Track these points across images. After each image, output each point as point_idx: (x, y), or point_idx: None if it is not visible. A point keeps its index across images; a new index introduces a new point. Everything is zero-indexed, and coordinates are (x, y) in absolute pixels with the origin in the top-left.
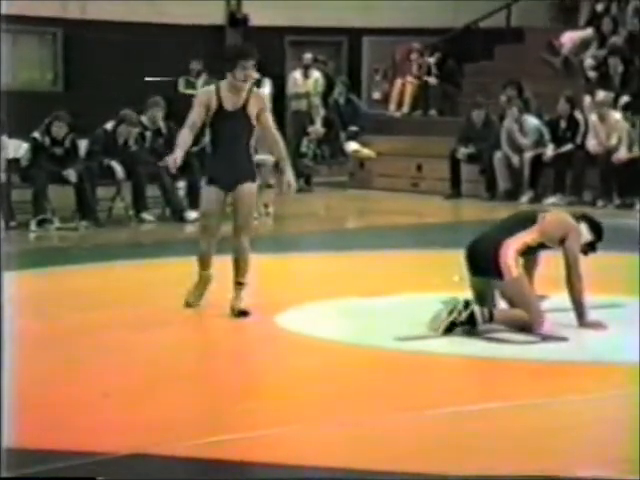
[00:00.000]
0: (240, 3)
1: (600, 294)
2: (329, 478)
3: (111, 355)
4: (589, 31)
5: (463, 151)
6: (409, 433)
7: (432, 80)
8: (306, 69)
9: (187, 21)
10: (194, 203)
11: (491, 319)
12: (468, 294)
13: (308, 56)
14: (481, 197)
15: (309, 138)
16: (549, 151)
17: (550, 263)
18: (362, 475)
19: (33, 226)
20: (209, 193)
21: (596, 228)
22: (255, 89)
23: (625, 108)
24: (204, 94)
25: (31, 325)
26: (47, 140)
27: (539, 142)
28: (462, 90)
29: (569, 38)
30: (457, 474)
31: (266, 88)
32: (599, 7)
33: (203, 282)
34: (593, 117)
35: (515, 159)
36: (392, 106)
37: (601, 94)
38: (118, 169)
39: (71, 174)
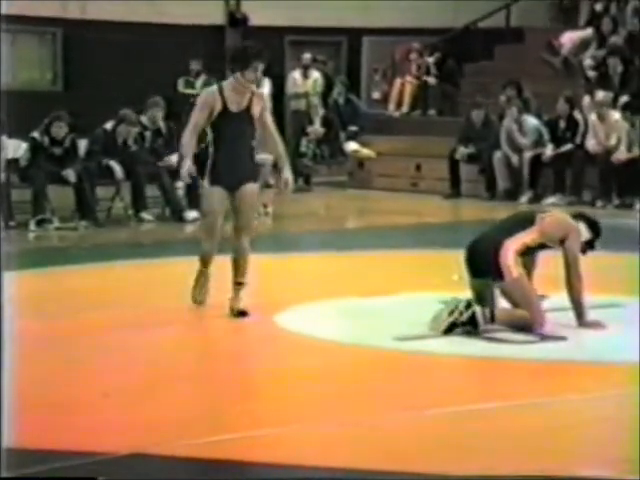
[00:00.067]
0: (239, 3)
1: (599, 294)
2: (329, 478)
3: (111, 355)
4: (589, 31)
5: (462, 151)
6: (409, 433)
7: (431, 80)
8: (305, 69)
9: (187, 21)
10: (193, 203)
11: (492, 319)
12: (468, 294)
13: (307, 56)
14: (481, 197)
15: (308, 138)
16: (548, 151)
17: (549, 263)
18: (362, 475)
19: (32, 226)
20: (213, 193)
21: (594, 227)
22: (256, 89)
23: (624, 108)
24: (208, 95)
25: (31, 325)
26: (46, 140)
27: (538, 142)
28: (461, 90)
29: (569, 38)
30: (457, 474)
31: (265, 88)
32: (598, 7)
33: (204, 277)
34: (592, 117)
35: (515, 159)
36: (391, 106)
37: (600, 94)
38: (117, 169)
39: (70, 174)
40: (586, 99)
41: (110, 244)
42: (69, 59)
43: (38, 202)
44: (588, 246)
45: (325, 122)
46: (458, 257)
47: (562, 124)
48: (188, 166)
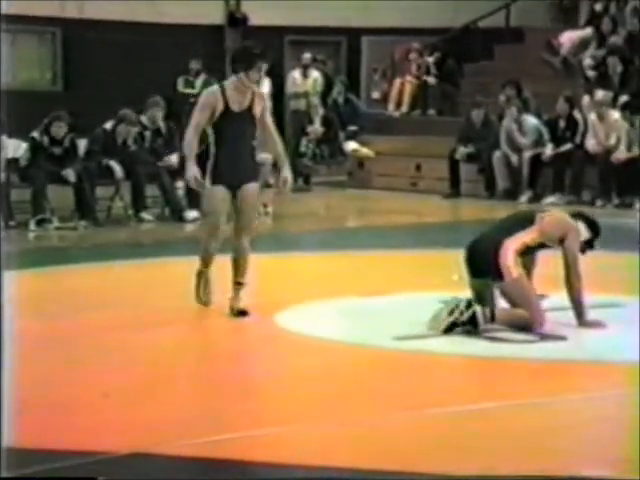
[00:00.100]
0: (239, 3)
1: (599, 294)
2: (329, 478)
3: (111, 355)
4: (588, 31)
5: (462, 151)
6: (409, 433)
7: (431, 80)
8: (305, 69)
9: (186, 21)
10: (193, 203)
11: (493, 319)
12: (468, 294)
13: (307, 56)
14: (480, 196)
15: (308, 138)
16: (548, 150)
17: (549, 262)
18: (362, 475)
19: (32, 226)
20: (215, 193)
21: (593, 226)
22: (257, 89)
23: (624, 108)
24: (210, 95)
25: (31, 325)
26: (46, 140)
27: (538, 142)
28: (461, 90)
29: (568, 38)
30: (457, 474)
31: (266, 87)
32: (598, 7)
33: (205, 278)
34: (592, 117)
35: (514, 158)
36: (391, 106)
37: (600, 94)
38: (117, 169)
39: (70, 174)
40: (586, 99)
41: (110, 244)
42: (69, 59)
43: (38, 202)
44: (587, 245)
45: (325, 122)
46: (458, 257)
47: (562, 124)
48: (194, 171)
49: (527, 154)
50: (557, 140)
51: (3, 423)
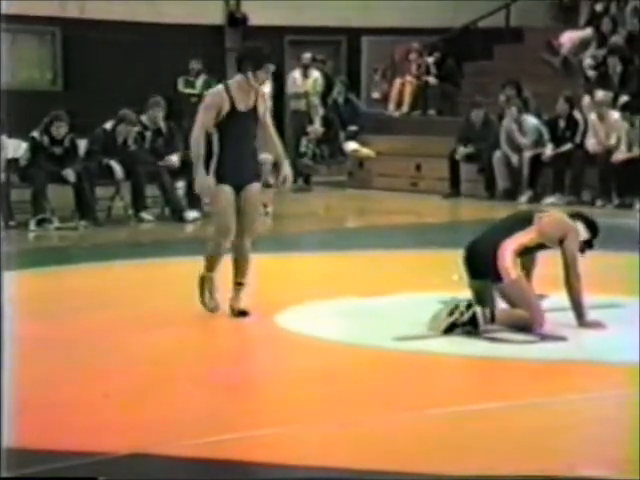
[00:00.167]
0: (239, 3)
1: (599, 294)
2: (329, 478)
3: (111, 355)
4: (588, 31)
5: (462, 151)
6: (409, 433)
7: (431, 80)
8: (305, 69)
9: (186, 21)
10: (193, 203)
11: (493, 320)
12: (468, 294)
13: (307, 56)
14: (480, 196)
15: (308, 138)
16: (548, 151)
17: (549, 262)
18: (362, 475)
19: (32, 226)
20: (223, 192)
21: (592, 226)
22: (260, 88)
23: (624, 108)
24: (215, 96)
25: (31, 325)
26: (46, 140)
27: (538, 142)
28: (461, 90)
29: (568, 38)
30: (457, 474)
31: (267, 87)
32: (598, 7)
33: (210, 284)
34: (592, 117)
35: (514, 159)
36: (391, 106)
37: (600, 94)
38: (117, 169)
39: (70, 174)
40: (586, 99)
41: (110, 244)
42: (69, 59)
43: (38, 202)
44: (587, 245)
45: (325, 122)
46: (458, 257)
47: (562, 124)
48: (207, 180)
49: (527, 154)
50: (557, 140)
51: (3, 423)
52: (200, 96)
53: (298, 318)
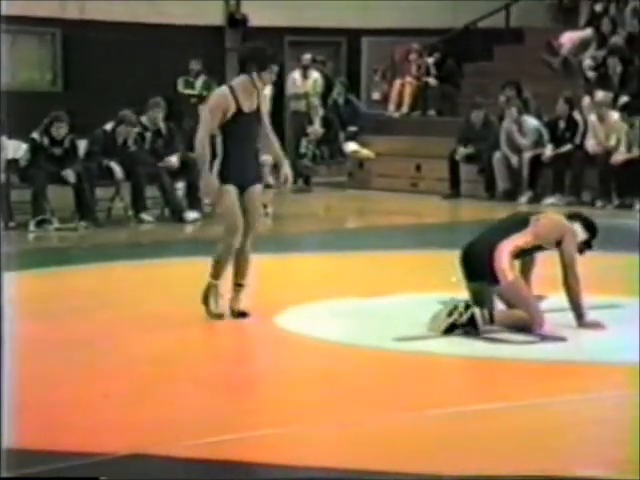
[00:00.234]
0: (239, 3)
1: (599, 294)
2: (329, 478)
3: (111, 355)
4: (588, 31)
5: (462, 151)
6: (409, 433)
7: (431, 80)
8: (305, 69)
9: (186, 21)
10: (193, 203)
11: (492, 321)
12: (466, 294)
13: (307, 56)
14: (480, 197)
15: (308, 138)
16: (548, 151)
17: (547, 263)
18: (362, 475)
19: (32, 226)
20: (228, 193)
21: (590, 226)
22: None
23: (623, 109)
24: (220, 97)
25: (31, 325)
26: (46, 140)
27: (538, 142)
28: (461, 90)
29: (568, 38)
30: (457, 474)
31: (267, 88)
32: (598, 7)
33: (215, 291)
34: (592, 117)
35: (514, 159)
36: (391, 106)
37: (600, 94)
38: (117, 169)
39: (70, 174)
40: (586, 99)
41: (110, 244)
42: (69, 59)
43: (38, 202)
44: (585, 246)
45: (325, 123)
46: (457, 258)
47: (562, 124)
48: (213, 184)
49: (527, 155)
50: (557, 141)
51: (3, 423)
52: (200, 97)
53: (298, 319)
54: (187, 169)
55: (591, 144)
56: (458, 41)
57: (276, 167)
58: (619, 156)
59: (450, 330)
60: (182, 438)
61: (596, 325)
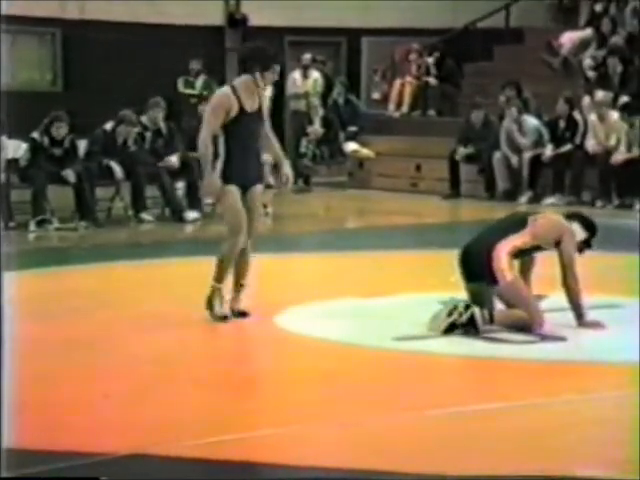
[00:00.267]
0: (239, 3)
1: (599, 294)
2: (329, 478)
3: (111, 355)
4: (588, 31)
5: (462, 151)
6: (409, 433)
7: (431, 80)
8: (305, 69)
9: (186, 21)
10: (193, 203)
11: (492, 321)
12: (466, 294)
13: (307, 56)
14: (480, 197)
15: (308, 138)
16: (548, 151)
17: (547, 262)
18: (362, 475)
19: (32, 226)
20: (232, 192)
21: (589, 225)
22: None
23: (623, 109)
24: (222, 97)
25: (31, 325)
26: (46, 140)
27: (538, 142)
28: (461, 90)
29: (568, 38)
30: (457, 474)
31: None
32: (598, 7)
33: (219, 293)
34: (592, 117)
35: (514, 159)
36: (391, 106)
37: (600, 94)
38: (117, 169)
39: (70, 174)
40: (586, 99)
41: (110, 244)
42: (69, 59)
43: (38, 202)
44: (585, 245)
45: (325, 122)
46: (455, 258)
47: (562, 124)
48: (216, 184)
49: (527, 155)
50: (557, 141)
51: (3, 423)
52: (200, 96)
53: (298, 319)
54: (187, 169)
55: (591, 144)
56: (458, 41)
57: (276, 167)
58: (619, 156)
59: (450, 330)
60: (182, 438)
61: (596, 325)
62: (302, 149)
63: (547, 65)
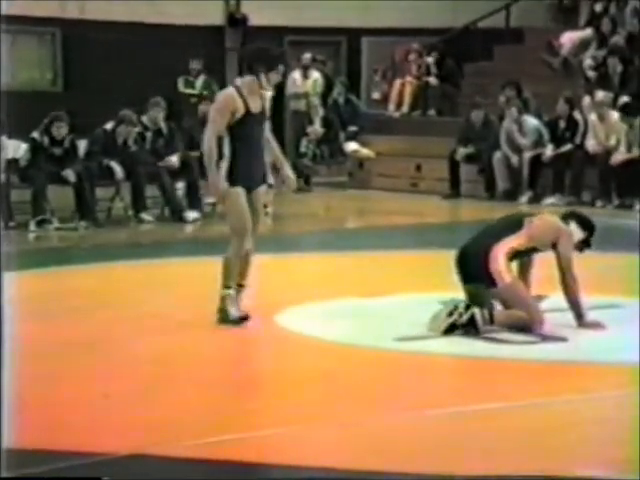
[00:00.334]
0: (239, 3)
1: (599, 294)
2: (329, 478)
3: (111, 355)
4: (588, 31)
5: (462, 151)
6: (409, 433)
7: (431, 80)
8: (305, 69)
9: (186, 21)
10: (193, 203)
11: (492, 321)
12: None
13: (307, 56)
14: (480, 197)
15: (308, 138)
16: (548, 151)
17: (546, 263)
18: (362, 475)
19: (32, 226)
20: (238, 194)
21: (586, 224)
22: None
23: (623, 109)
24: (227, 98)
25: (31, 325)
26: (46, 140)
27: (538, 142)
28: (461, 90)
29: (568, 38)
30: (457, 474)
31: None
32: (598, 7)
33: (230, 297)
34: (592, 117)
35: (514, 159)
36: (391, 106)
37: (600, 94)
38: (117, 169)
39: (70, 174)
40: (586, 99)
41: (110, 244)
42: (69, 59)
43: (38, 202)
44: (584, 244)
45: (325, 122)
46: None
47: (562, 124)
48: (223, 185)
49: (527, 155)
50: (557, 141)
51: (3, 423)
52: (200, 96)
53: (298, 318)
54: (187, 169)
55: (591, 144)
56: (458, 41)
57: (275, 168)
58: (619, 156)
59: (450, 330)
60: (182, 438)
61: (596, 325)
62: (302, 149)
63: (547, 65)
